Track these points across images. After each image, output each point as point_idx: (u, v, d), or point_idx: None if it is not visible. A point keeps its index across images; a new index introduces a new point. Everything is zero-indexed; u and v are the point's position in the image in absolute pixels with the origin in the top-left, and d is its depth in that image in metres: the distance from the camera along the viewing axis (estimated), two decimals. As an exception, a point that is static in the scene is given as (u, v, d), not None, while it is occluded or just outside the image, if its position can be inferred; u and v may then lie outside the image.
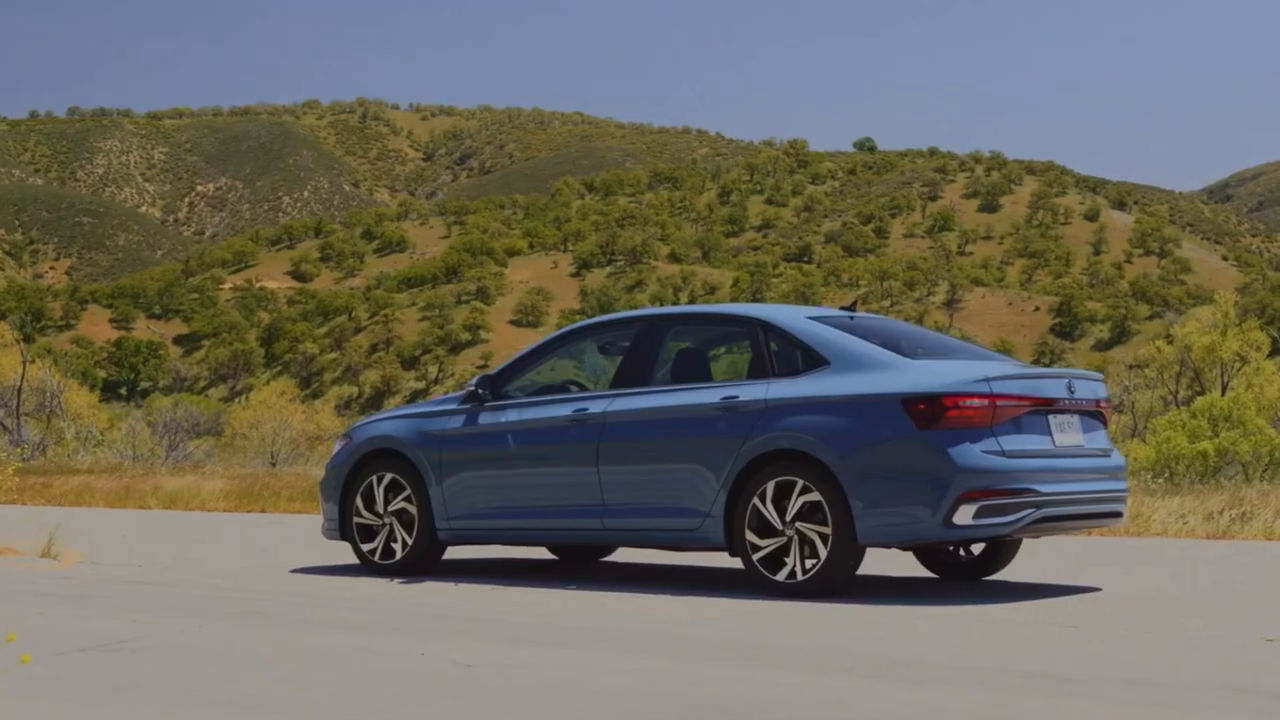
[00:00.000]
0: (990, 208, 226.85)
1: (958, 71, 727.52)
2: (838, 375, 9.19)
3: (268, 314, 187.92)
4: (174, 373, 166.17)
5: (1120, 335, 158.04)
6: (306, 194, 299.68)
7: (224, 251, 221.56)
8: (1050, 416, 9.21)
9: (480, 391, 10.61)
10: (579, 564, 11.96)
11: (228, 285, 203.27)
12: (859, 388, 9.04)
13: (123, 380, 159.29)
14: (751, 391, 9.40)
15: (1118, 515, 9.68)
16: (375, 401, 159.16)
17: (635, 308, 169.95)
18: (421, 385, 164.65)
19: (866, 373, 9.12)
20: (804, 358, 9.44)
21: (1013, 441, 8.90)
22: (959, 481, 8.65)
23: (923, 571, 10.71)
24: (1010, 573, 10.56)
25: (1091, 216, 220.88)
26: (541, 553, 12.74)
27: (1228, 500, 15.39)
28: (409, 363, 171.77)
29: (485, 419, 10.55)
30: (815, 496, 8.96)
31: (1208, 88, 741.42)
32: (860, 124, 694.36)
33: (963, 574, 10.35)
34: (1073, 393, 9.36)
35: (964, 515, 8.66)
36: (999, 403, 8.86)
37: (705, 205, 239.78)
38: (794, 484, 9.05)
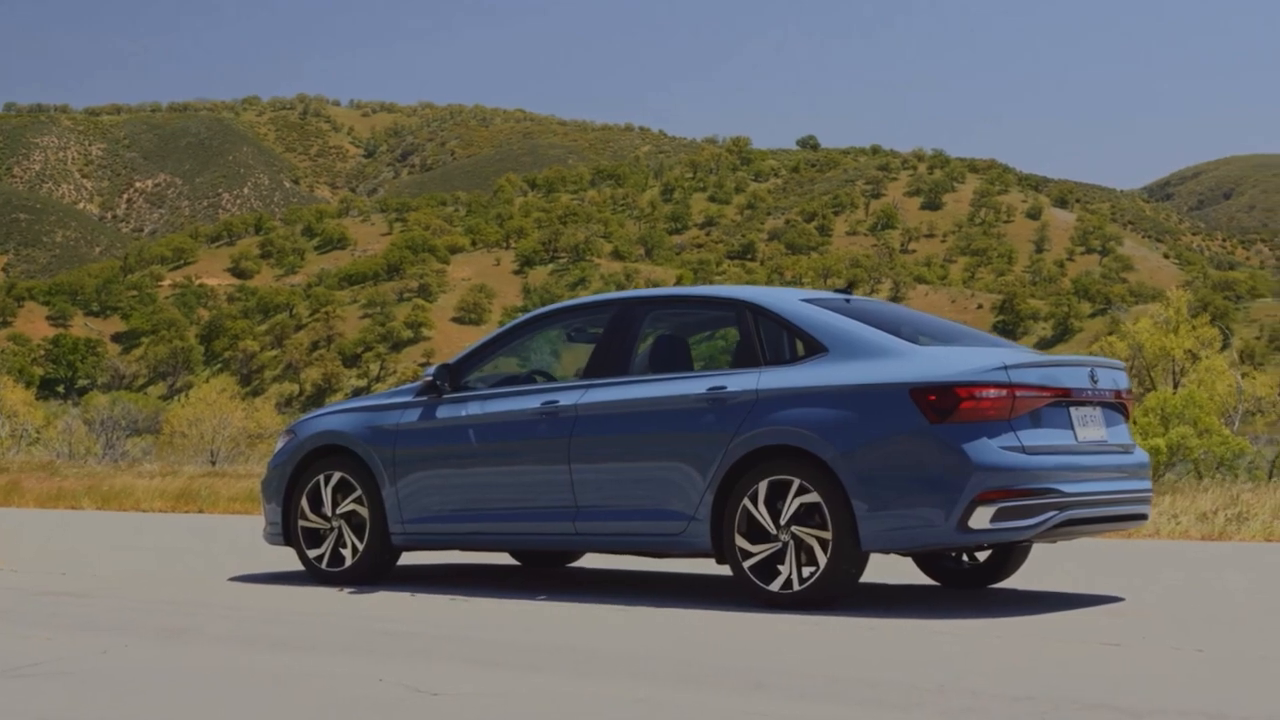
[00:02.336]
0: (933, 205, 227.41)
1: (900, 70, 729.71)
2: (837, 363, 8.29)
3: (207, 311, 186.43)
4: (112, 370, 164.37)
5: (1063, 333, 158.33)
6: (246, 191, 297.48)
7: (163, 248, 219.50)
8: (1072, 409, 8.33)
9: (438, 382, 9.64)
10: (545, 571, 11.03)
11: (167, 282, 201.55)
12: (862, 377, 8.14)
13: (60, 378, 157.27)
14: (741, 381, 8.49)
15: (1142, 517, 8.81)
16: (316, 399, 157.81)
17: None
18: (363, 383, 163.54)
19: (870, 360, 8.22)
20: (799, 344, 8.55)
21: (1033, 436, 8.03)
22: (975, 481, 7.76)
23: (922, 579, 9.83)
24: (1013, 580, 9.68)
25: (1034, 214, 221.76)
26: (502, 557, 11.80)
27: (1221, 500, 14.63)
28: (350, 360, 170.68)
29: (444, 412, 9.59)
30: (813, 497, 8.06)
31: (1148, 87, 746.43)
32: (803, 122, 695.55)
33: (966, 582, 9.48)
34: (1096, 382, 8.50)
35: (981, 518, 7.77)
36: (1018, 393, 7.98)
37: (648, 202, 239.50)
38: (789, 484, 8.15)
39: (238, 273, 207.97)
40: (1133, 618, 7.85)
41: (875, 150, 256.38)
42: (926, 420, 7.88)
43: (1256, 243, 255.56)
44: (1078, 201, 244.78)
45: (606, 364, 9.12)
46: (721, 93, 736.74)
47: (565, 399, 9.08)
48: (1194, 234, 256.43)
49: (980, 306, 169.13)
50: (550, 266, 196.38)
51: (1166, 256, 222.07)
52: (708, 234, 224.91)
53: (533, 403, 9.22)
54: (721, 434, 8.40)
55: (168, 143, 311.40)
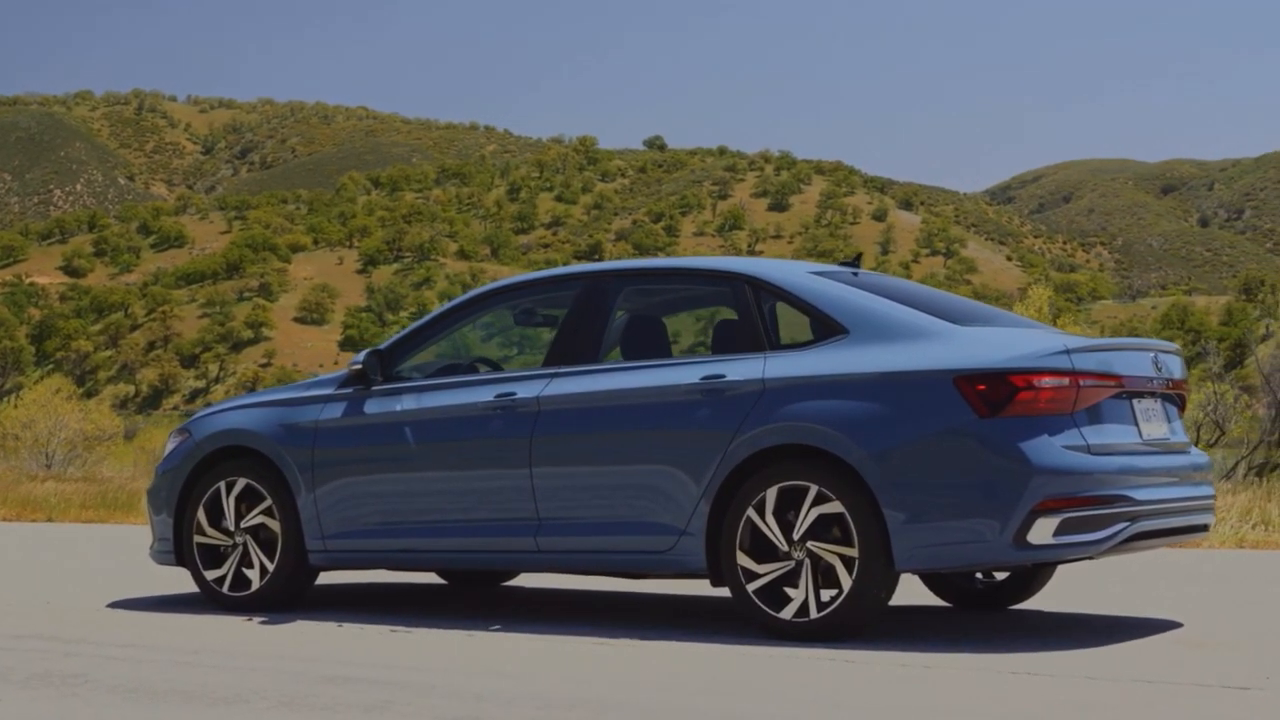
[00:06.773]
0: (780, 207, 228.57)
1: (747, 70, 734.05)
2: (861, 347, 6.94)
3: (38, 310, 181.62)
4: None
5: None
6: (79, 187, 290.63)
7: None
8: (1134, 401, 7.06)
9: (367, 372, 8.14)
10: (479, 590, 9.56)
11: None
12: (893, 363, 6.80)
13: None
14: (743, 369, 7.12)
15: (1205, 528, 7.56)
16: (153, 400, 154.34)
17: (424, 306, 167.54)
18: (202, 384, 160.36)
19: (901, 343, 6.88)
20: (812, 324, 7.20)
21: (1097, 433, 6.73)
22: (1036, 486, 6.44)
23: (929, 599, 8.51)
24: (1031, 601, 8.38)
25: (879, 216, 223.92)
26: (425, 576, 10.29)
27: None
28: (188, 361, 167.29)
29: (374, 407, 8.09)
30: (835, 507, 6.71)
31: (990, 90, 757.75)
32: (650, 122, 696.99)
33: (982, 603, 8.20)
34: (1160, 370, 7.25)
35: (1042, 531, 6.45)
36: (1083, 382, 6.69)
37: (494, 202, 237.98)
38: (805, 490, 6.79)
39: (70, 271, 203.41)
40: (1218, 650, 6.58)
41: (722, 151, 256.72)
42: (975, 414, 6.57)
43: (1096, 245, 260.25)
44: (922, 204, 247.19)
45: (573, 349, 7.70)
46: (567, 92, 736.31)
47: (525, 391, 7.64)
48: (1035, 237, 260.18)
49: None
50: (394, 266, 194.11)
51: (1009, 259, 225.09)
52: (554, 234, 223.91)
53: (484, 395, 7.77)
54: (720, 432, 7.03)
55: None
